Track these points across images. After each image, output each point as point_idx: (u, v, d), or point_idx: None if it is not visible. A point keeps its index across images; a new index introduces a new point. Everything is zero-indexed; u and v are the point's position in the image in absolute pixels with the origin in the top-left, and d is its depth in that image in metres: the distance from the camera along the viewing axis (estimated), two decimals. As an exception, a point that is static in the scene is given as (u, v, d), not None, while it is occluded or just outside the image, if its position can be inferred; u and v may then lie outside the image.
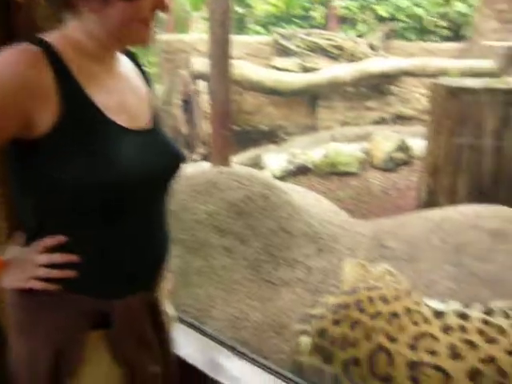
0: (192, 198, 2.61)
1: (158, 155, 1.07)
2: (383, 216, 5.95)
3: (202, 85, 7.47)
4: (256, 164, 8.48)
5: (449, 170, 4.92)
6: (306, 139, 9.50)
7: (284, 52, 9.91)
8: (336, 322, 1.64)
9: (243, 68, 8.63)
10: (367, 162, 8.16)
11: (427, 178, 5.18)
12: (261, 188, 2.79)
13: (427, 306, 1.62)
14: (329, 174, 7.79)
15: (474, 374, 1.33)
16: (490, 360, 1.36)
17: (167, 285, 1.57)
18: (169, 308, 1.65)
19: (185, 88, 7.42)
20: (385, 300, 1.63)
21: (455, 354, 1.39)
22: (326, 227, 2.86)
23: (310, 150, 8.48)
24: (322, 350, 1.62)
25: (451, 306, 1.61)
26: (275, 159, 8.33)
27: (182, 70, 7.71)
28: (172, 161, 1.12)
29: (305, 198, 3.59)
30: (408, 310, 1.57)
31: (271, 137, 9.92)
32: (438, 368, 1.37)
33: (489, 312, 1.55)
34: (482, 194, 4.92)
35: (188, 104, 7.32)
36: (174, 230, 2.47)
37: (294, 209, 2.84)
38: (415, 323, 1.52)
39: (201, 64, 7.27)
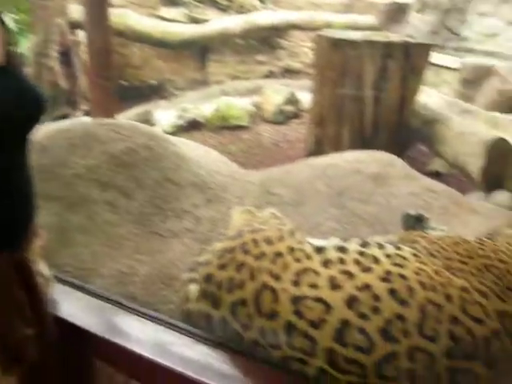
0: (69, 151, 2.43)
1: (12, 95, 0.95)
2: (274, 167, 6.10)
3: (81, 35, 6.91)
4: (146, 120, 8.15)
5: (333, 120, 5.11)
6: (197, 94, 9.33)
7: (170, 1, 9.47)
8: (222, 267, 1.63)
9: (126, 17, 8.14)
10: (258, 116, 8.24)
11: (314, 128, 5.35)
12: (144, 139, 2.67)
13: (309, 243, 1.67)
14: (220, 128, 7.76)
15: (351, 301, 1.41)
16: (366, 287, 1.44)
17: (39, 242, 1.45)
18: (43, 268, 1.54)
19: (62, 38, 6.82)
20: (269, 241, 1.65)
21: (334, 285, 1.45)
22: (214, 177, 2.83)
23: (202, 105, 8.35)
24: (210, 295, 1.62)
25: (332, 242, 1.67)
26: (166, 115, 8.09)
27: (58, 18, 7.05)
28: (29, 103, 1.00)
29: (194, 150, 3.52)
30: (291, 249, 1.61)
31: (161, 92, 9.59)
32: (318, 299, 1.43)
33: (365, 245, 1.63)
34: (364, 142, 5.20)
35: (66, 56, 6.76)
36: (50, 187, 2.31)
37: (181, 159, 2.77)
38: (298, 260, 1.56)
39: (79, 12, 6.72)
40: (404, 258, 1.57)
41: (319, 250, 1.61)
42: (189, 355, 1.55)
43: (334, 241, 1.70)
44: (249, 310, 1.51)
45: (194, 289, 1.74)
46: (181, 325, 1.70)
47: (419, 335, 1.37)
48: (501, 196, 3.66)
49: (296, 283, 1.49)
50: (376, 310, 1.39)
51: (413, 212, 2.38)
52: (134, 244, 2.27)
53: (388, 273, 1.48)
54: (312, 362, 1.42)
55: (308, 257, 1.58)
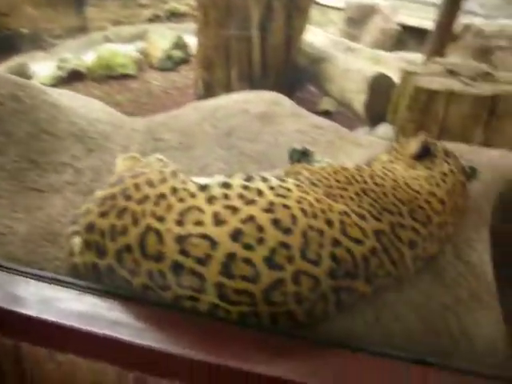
0: None
1: None
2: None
3: None
4: (21, 74, 7.45)
5: (221, 63, 5.02)
6: (78, 42, 8.67)
7: None
8: (103, 214, 1.55)
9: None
10: (145, 63, 7.87)
11: (202, 72, 5.22)
12: (10, 89, 2.41)
13: (193, 182, 1.63)
14: (106, 77, 7.32)
15: (236, 235, 1.41)
16: (250, 219, 1.44)
17: None
18: None
19: None
20: (151, 184, 1.59)
21: (219, 221, 1.44)
22: (96, 126, 2.66)
23: (83, 54, 7.79)
24: (93, 245, 1.54)
25: (216, 180, 1.64)
26: (44, 67, 7.45)
27: None
28: None
29: (73, 100, 3.27)
30: (174, 190, 1.56)
31: (36, 42, 8.75)
32: (203, 236, 1.41)
33: (249, 179, 1.62)
34: (253, 84, 5.19)
35: None
36: None
37: (57, 109, 2.56)
38: (181, 200, 1.52)
39: None
40: (287, 189, 1.59)
41: (203, 187, 1.58)
42: (77, 308, 1.47)
43: (219, 178, 1.67)
44: (134, 255, 1.46)
45: (78, 241, 1.65)
46: (66, 279, 1.61)
47: (303, 260, 1.41)
48: (383, 129, 3.87)
49: (180, 223, 1.46)
50: (261, 241, 1.41)
51: (298, 147, 2.42)
52: (9, 202, 2.08)
53: (271, 204, 1.50)
54: (203, 299, 1.42)
55: (192, 195, 1.54)
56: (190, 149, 2.66)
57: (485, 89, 3.35)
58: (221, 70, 5.03)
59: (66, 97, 3.26)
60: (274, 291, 1.39)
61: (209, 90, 5.19)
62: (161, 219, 1.47)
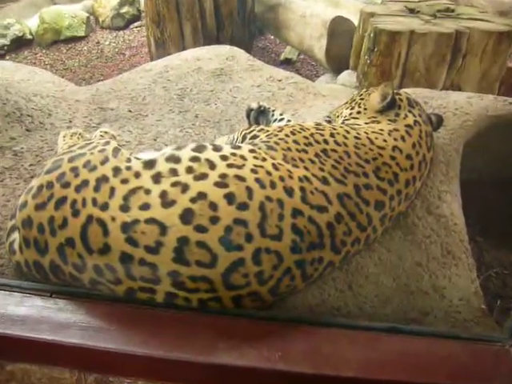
0: None
1: None
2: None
3: None
4: (-37, 45, 7.01)
5: (172, 18, 4.71)
6: (20, 5, 8.08)
7: None
8: (39, 206, 1.39)
9: None
10: (94, 23, 7.42)
11: (153, 29, 4.91)
12: None
13: (137, 159, 1.47)
14: (54, 42, 6.88)
15: (186, 216, 1.28)
16: (201, 197, 1.31)
17: None
18: None
19: None
20: (90, 167, 1.42)
21: (167, 202, 1.30)
22: (35, 102, 2.44)
23: (27, 18, 7.29)
24: (32, 241, 1.39)
25: (163, 153, 1.48)
26: (-15, 35, 6.95)
27: None
28: None
29: (12, 72, 3.01)
30: (117, 170, 1.40)
31: (-26, 8, 8.13)
32: (151, 221, 1.28)
33: (199, 149, 1.47)
34: (209, 38, 4.92)
35: None
36: None
37: (-14, 87, 2.32)
38: (125, 181, 1.37)
39: None
40: (241, 157, 1.45)
41: (149, 164, 1.43)
42: (21, 313, 1.34)
43: (167, 150, 1.51)
44: (78, 250, 1.32)
45: (17, 237, 1.49)
46: (13, 282, 1.46)
47: (262, 236, 1.30)
48: (346, 76, 3.71)
49: (125, 208, 1.31)
50: (214, 220, 1.28)
51: (254, 105, 2.26)
52: None
53: (224, 176, 1.36)
54: (158, 289, 1.30)
55: (136, 175, 1.39)
56: (140, 117, 2.47)
57: (447, 26, 3.20)
58: (172, 25, 4.73)
59: (5, 70, 3.01)
60: (233, 274, 1.28)
61: (162, 48, 4.90)
62: (103, 206, 1.32)
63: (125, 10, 7.39)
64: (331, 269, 1.49)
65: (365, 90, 1.89)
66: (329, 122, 1.99)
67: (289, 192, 1.38)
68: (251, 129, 1.82)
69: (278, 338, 1.27)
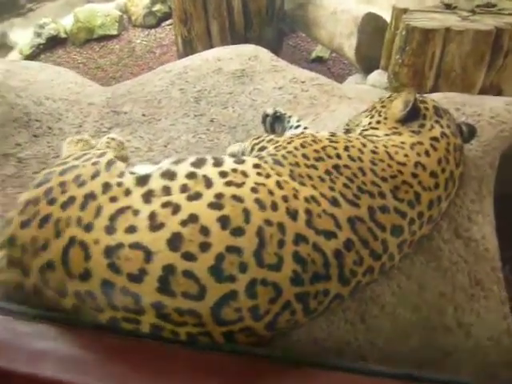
0: None
1: None
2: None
3: None
4: (2, 45, 7.15)
5: (199, 16, 4.60)
6: (56, 5, 8.18)
7: None
8: (24, 224, 1.29)
9: None
10: (127, 21, 7.41)
11: (181, 28, 4.81)
12: None
13: (132, 174, 1.35)
14: (87, 41, 6.91)
15: (174, 241, 1.15)
16: (192, 219, 1.17)
17: None
18: None
19: None
20: (80, 182, 1.32)
21: (155, 224, 1.18)
22: (45, 106, 2.37)
23: (62, 17, 7.36)
24: (16, 261, 1.29)
25: (161, 167, 1.36)
26: (23, 34, 7.06)
27: None
28: None
29: (38, 74, 2.97)
30: (106, 186, 1.29)
31: (13, 8, 8.29)
32: (136, 246, 1.15)
33: (199, 163, 1.34)
34: (237, 37, 4.78)
35: None
36: None
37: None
38: (113, 199, 1.25)
39: None
40: (243, 174, 1.31)
41: (142, 180, 1.30)
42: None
43: (165, 164, 1.39)
44: (59, 274, 1.21)
45: (2, 255, 1.40)
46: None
47: (258, 266, 1.15)
48: (377, 76, 3.51)
49: (110, 230, 1.19)
50: (205, 246, 1.15)
51: (270, 110, 2.12)
52: None
53: (219, 196, 1.22)
54: (143, 319, 1.17)
55: (127, 192, 1.27)
56: (153, 121, 2.37)
57: (486, 22, 2.95)
58: (200, 23, 4.62)
59: (30, 70, 2.97)
60: (224, 308, 1.14)
61: (190, 47, 4.80)
62: (88, 227, 1.21)
63: (157, 7, 7.36)
64: (339, 301, 1.33)
65: (388, 96, 1.71)
66: (347, 131, 1.82)
67: (292, 215, 1.23)
68: (260, 139, 1.67)
69: (271, 380, 1.13)
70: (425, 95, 1.79)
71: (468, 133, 1.64)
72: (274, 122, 2.08)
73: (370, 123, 1.63)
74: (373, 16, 3.77)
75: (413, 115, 1.53)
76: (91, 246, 1.18)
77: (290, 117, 2.06)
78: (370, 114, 1.68)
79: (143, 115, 2.41)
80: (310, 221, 1.24)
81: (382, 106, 1.65)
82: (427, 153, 1.45)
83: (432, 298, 1.48)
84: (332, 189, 1.33)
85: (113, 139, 1.96)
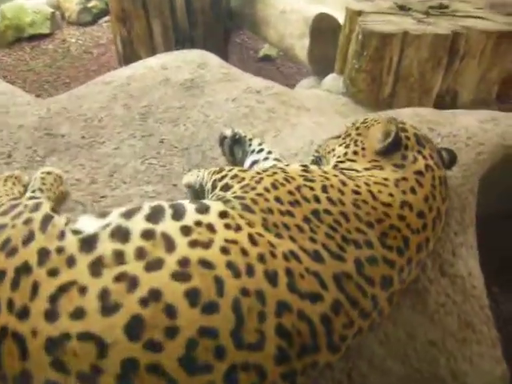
0: None
1: None
2: (87, 80, 5.18)
3: None
4: None
5: (139, 15, 4.30)
6: (-20, 0, 7.53)
7: None
8: None
9: None
10: (60, 18, 6.93)
11: (119, 27, 4.49)
12: None
13: (75, 232, 1.12)
14: (16, 40, 6.40)
15: (133, 327, 0.94)
16: (154, 296, 0.97)
17: None
18: None
19: None
20: (9, 249, 1.07)
21: (108, 306, 0.96)
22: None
23: (-13, 14, 6.78)
24: None
25: (109, 221, 1.13)
26: None
27: None
28: None
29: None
30: (44, 254, 1.05)
31: None
32: (86, 336, 0.93)
33: (154, 215, 1.13)
34: (181, 36, 4.52)
35: None
36: None
37: None
38: (53, 272, 1.02)
39: None
40: (209, 228, 1.11)
41: (88, 243, 1.08)
42: None
43: (113, 217, 1.16)
44: (-11, 375, 0.97)
45: None
46: None
47: (237, 348, 0.96)
48: (332, 81, 3.36)
49: (51, 315, 0.97)
50: (172, 332, 0.94)
51: (228, 132, 1.92)
52: None
53: (185, 263, 1.02)
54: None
55: (70, 261, 1.04)
56: (95, 144, 2.11)
57: (443, 26, 2.87)
58: (139, 23, 4.32)
59: None
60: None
61: (130, 48, 4.49)
62: (22, 312, 0.98)
63: (92, 3, 6.93)
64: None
65: (362, 121, 1.55)
66: (318, 159, 1.66)
67: (272, 278, 1.05)
68: (222, 173, 1.47)
69: None
70: (400, 112, 1.65)
71: (449, 160, 1.51)
72: (234, 145, 1.89)
73: (345, 154, 1.46)
74: (325, 16, 3.62)
75: (394, 146, 1.38)
76: (28, 339, 0.95)
77: (250, 139, 1.87)
78: (344, 142, 1.52)
79: (83, 138, 2.15)
80: (293, 284, 1.07)
81: (358, 134, 1.49)
82: (413, 190, 1.31)
83: (421, 346, 1.35)
84: (313, 240, 1.16)
85: (49, 173, 1.71)
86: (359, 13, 3.08)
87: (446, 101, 3.10)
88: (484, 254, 1.61)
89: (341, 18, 3.56)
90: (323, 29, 3.66)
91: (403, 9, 3.21)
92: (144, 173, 1.94)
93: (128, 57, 4.44)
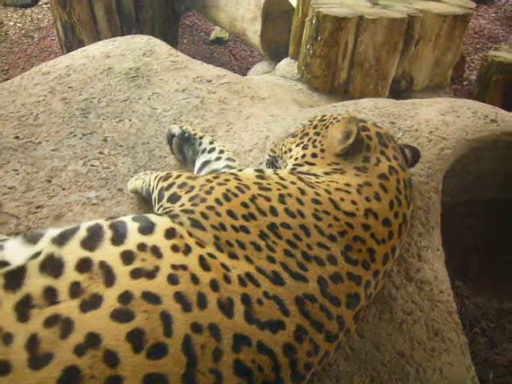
0: None
1: None
2: (28, 69, 4.84)
3: None
4: None
5: (80, -3, 4.01)
6: None
7: None
8: None
9: None
10: (-5, 0, 6.45)
11: (59, 11, 4.19)
12: None
13: (2, 264, 0.96)
14: None
15: (69, 381, 0.80)
16: (92, 342, 0.83)
17: None
18: None
19: None
20: None
21: (39, 356, 0.82)
22: None
23: None
24: None
25: (43, 249, 0.97)
26: None
27: None
28: None
29: None
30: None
31: None
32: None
33: (93, 239, 0.99)
34: (126, 20, 4.27)
35: None
36: None
37: None
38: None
39: None
40: (154, 252, 0.98)
41: (15, 279, 0.92)
42: None
43: (45, 242, 1.01)
44: None
45: None
46: None
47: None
48: (286, 66, 3.24)
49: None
50: (114, 382, 0.81)
51: (176, 130, 1.77)
52: None
53: (126, 298, 0.89)
54: None
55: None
56: (31, 145, 1.91)
57: (398, 9, 2.79)
58: (81, 6, 4.04)
59: None
60: None
61: (72, 33, 4.20)
62: None
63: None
64: None
65: (320, 119, 1.43)
66: (274, 159, 1.54)
67: (226, 309, 0.93)
68: (170, 180, 1.33)
69: None
70: (359, 104, 1.54)
71: (412, 158, 1.42)
72: (183, 144, 1.75)
73: (303, 156, 1.34)
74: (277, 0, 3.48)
75: (355, 148, 1.27)
76: None
77: (201, 137, 1.73)
78: (301, 141, 1.40)
79: (17, 138, 1.94)
80: (250, 312, 0.95)
81: (316, 134, 1.37)
82: (377, 196, 1.21)
83: (390, 358, 1.27)
84: (271, 259, 1.04)
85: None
86: (312, -5, 2.96)
87: (401, 86, 3.05)
88: (446, 248, 1.55)
89: (292, 0, 3.43)
90: (275, 12, 3.52)
91: (357, -10, 3.10)
92: (86, 176, 1.77)
93: (70, 43, 4.17)
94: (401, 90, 3.06)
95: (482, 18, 6.26)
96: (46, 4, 6.43)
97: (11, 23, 6.10)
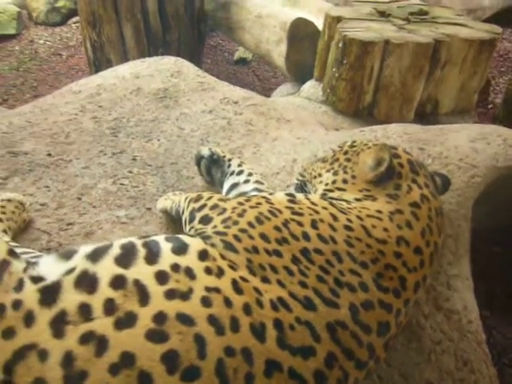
0: None
1: None
2: (56, 86, 4.96)
3: None
4: None
5: (109, 18, 4.12)
6: None
7: None
8: None
9: None
10: (27, 18, 6.66)
11: (89, 31, 4.30)
12: None
13: (35, 279, 0.98)
14: (-20, 41, 6.12)
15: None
16: (127, 362, 0.84)
17: None
18: None
19: None
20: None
21: (74, 374, 0.83)
22: None
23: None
24: None
25: (78, 265, 0.99)
26: None
27: None
28: None
29: None
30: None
31: None
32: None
33: (127, 257, 1.00)
34: (154, 40, 4.36)
35: None
36: None
37: None
38: (8, 334, 0.88)
39: None
40: (187, 273, 0.99)
41: (49, 294, 0.94)
42: None
43: (79, 259, 1.02)
44: None
45: None
46: None
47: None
48: (311, 88, 3.27)
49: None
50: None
51: (205, 151, 1.80)
52: None
53: (160, 318, 0.90)
54: None
55: (28, 319, 0.90)
56: (62, 163, 1.95)
57: (424, 33, 2.81)
58: (110, 26, 4.15)
59: None
60: None
61: (100, 52, 4.31)
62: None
63: (61, 3, 6.69)
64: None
65: (350, 144, 1.45)
66: (303, 184, 1.55)
67: (259, 333, 0.94)
68: (201, 202, 1.35)
69: None
70: (388, 129, 1.55)
71: (442, 185, 1.42)
72: (211, 166, 1.77)
73: (334, 181, 1.36)
74: (303, 22, 3.52)
75: (387, 175, 1.28)
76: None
77: (230, 160, 1.75)
78: (331, 167, 1.41)
79: (49, 155, 1.99)
80: (282, 337, 0.95)
81: (347, 160, 1.39)
82: (409, 224, 1.21)
83: (418, 389, 1.25)
84: (304, 284, 1.05)
85: (9, 201, 1.56)
86: (338, 19, 2.99)
87: (426, 109, 3.05)
88: (472, 276, 1.53)
89: (317, 21, 3.47)
90: (301, 34, 3.56)
91: (383, 15, 3.14)
92: (115, 195, 1.80)
93: (99, 61, 4.27)
94: (426, 114, 3.05)
95: (506, 41, 6.24)
96: (74, 23, 6.61)
97: (41, 41, 6.28)
